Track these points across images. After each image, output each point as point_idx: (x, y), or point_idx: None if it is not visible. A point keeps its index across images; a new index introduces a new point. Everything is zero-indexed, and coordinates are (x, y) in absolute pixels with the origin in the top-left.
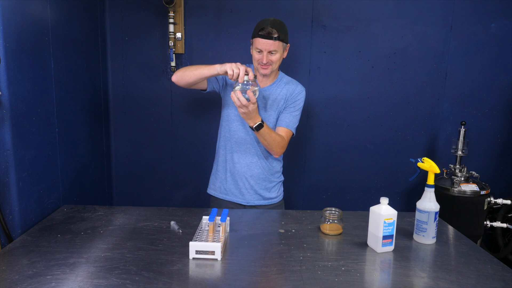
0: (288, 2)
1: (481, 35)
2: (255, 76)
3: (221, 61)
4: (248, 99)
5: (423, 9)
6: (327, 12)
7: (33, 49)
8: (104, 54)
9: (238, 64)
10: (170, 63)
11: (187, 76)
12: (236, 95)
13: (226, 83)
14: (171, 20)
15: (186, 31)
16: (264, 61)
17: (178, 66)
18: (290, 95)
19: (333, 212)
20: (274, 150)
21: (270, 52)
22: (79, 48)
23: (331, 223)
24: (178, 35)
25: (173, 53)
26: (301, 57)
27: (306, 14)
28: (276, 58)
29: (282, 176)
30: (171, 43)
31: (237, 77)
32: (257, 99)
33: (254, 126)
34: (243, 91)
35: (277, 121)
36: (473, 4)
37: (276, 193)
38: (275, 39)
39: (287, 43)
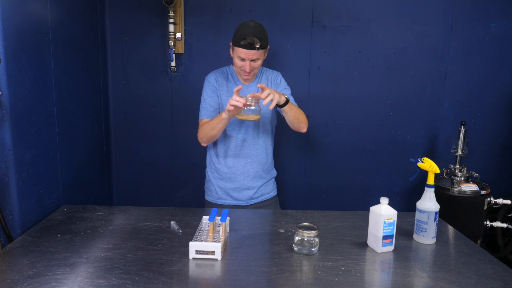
0: (288, 2)
1: (481, 35)
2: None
3: (221, 61)
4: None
5: (423, 9)
6: (327, 12)
7: (33, 49)
8: (104, 54)
9: (234, 97)
10: (170, 63)
11: (213, 137)
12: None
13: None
14: (171, 20)
15: (186, 31)
16: (248, 70)
17: (178, 66)
18: (269, 82)
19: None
20: (304, 122)
21: (252, 60)
22: (79, 48)
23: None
24: (178, 35)
25: (173, 53)
26: (301, 57)
27: (306, 14)
28: (258, 64)
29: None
30: (171, 43)
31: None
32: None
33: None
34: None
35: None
36: (473, 4)
37: None
38: (258, 49)
39: (267, 47)
